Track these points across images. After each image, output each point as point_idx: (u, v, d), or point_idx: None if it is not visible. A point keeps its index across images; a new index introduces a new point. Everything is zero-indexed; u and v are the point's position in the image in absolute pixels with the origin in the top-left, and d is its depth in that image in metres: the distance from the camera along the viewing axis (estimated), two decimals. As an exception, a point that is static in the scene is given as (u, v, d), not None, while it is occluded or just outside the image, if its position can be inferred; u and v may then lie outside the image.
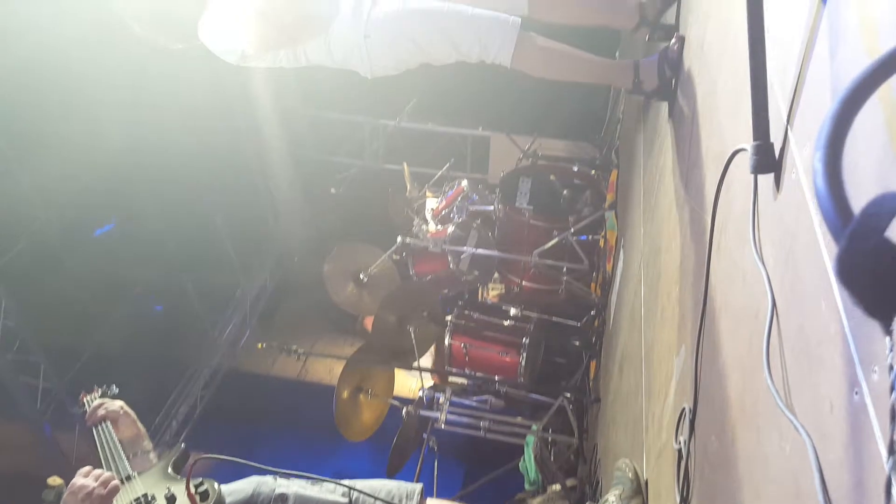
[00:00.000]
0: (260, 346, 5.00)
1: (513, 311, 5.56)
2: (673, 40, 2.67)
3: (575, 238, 5.31)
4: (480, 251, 5.42)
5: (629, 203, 4.27)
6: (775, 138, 1.38)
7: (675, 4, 2.88)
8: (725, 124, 1.87)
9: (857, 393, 0.88)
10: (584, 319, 5.55)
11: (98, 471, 2.01)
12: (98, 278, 5.96)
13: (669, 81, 2.68)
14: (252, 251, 8.14)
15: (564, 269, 5.48)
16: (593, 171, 6.14)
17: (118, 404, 2.38)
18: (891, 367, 0.62)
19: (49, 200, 5.30)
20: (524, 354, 5.26)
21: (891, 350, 0.63)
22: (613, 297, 4.58)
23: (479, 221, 5.64)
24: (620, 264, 4.35)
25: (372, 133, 8.17)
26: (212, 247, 7.33)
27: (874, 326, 0.86)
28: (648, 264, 3.09)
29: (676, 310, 2.26)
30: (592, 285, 5.63)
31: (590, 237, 5.41)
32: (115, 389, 2.53)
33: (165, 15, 2.63)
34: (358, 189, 8.09)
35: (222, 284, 7.77)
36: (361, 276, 5.67)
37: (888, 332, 0.59)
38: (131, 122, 5.77)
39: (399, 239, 5.36)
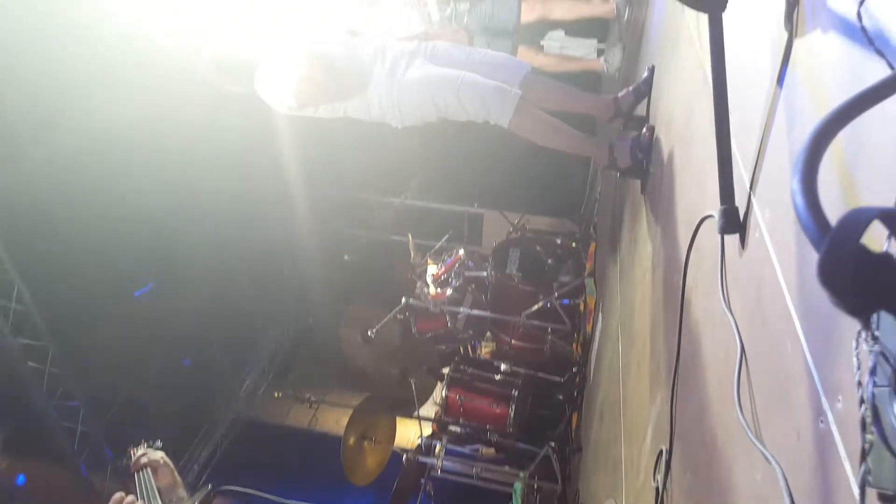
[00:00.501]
0: (277, 394, 4.93)
1: (503, 367, 5.52)
2: (644, 129, 2.73)
3: (558, 301, 5.29)
4: (475, 312, 5.41)
5: (607, 271, 4.27)
6: (739, 203, 1.39)
7: (646, 99, 2.96)
8: (693, 194, 1.88)
9: (822, 422, 0.86)
10: (567, 375, 5.49)
11: (130, 497, 1.97)
12: (134, 333, 5.90)
13: (641, 162, 2.71)
14: (273, 310, 8.09)
15: (549, 330, 5.45)
16: (574, 244, 6.18)
17: (160, 454, 2.37)
18: (859, 384, 0.60)
19: (95, 262, 5.28)
20: (513, 406, 5.18)
21: (858, 369, 0.61)
22: (593, 355, 4.53)
23: (473, 286, 5.64)
24: (599, 325, 4.33)
25: (380, 208, 8.27)
26: (237, 305, 7.29)
27: (836, 360, 0.84)
28: (625, 323, 3.07)
29: (652, 362, 2.23)
30: (574, 345, 5.59)
31: (571, 301, 5.40)
32: (159, 444, 2.51)
33: (229, 61, 2.79)
34: (367, 257, 8.11)
35: (244, 340, 7.69)
36: (370, 333, 5.63)
37: (867, 328, 0.57)
38: (171, 192, 5.80)
39: (403, 300, 5.35)
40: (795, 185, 0.51)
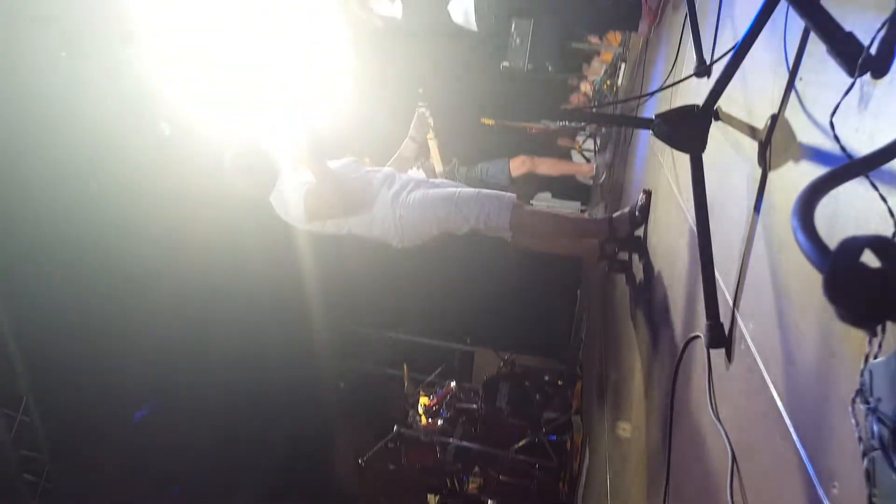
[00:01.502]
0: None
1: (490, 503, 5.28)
2: (641, 195, 2.74)
3: (546, 437, 5.16)
4: (464, 443, 5.24)
5: (593, 408, 4.20)
6: (724, 319, 1.41)
7: (631, 250, 2.96)
8: (679, 316, 1.90)
9: (819, 510, 0.84)
10: (554, 514, 5.24)
11: None
12: (128, 455, 5.67)
13: (639, 224, 2.73)
14: (267, 436, 7.81)
15: (536, 466, 5.26)
16: (560, 381, 6.11)
17: None
18: (860, 439, 0.60)
19: (103, 383, 5.16)
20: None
21: (857, 426, 0.62)
22: (580, 491, 4.35)
23: (464, 418, 5.51)
24: (587, 461, 4.19)
25: (378, 341, 8.23)
26: (234, 427, 7.04)
27: (828, 447, 0.84)
28: (613, 456, 2.98)
29: (643, 484, 2.15)
30: (561, 483, 5.38)
31: (559, 437, 5.27)
32: None
33: (249, 167, 2.82)
34: (362, 386, 7.97)
35: (239, 461, 7.35)
36: (360, 462, 5.43)
37: (873, 335, 0.58)
38: (172, 315, 5.77)
39: (395, 428, 5.21)
40: (795, 223, 0.54)
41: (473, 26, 3.58)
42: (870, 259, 0.51)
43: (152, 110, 4.88)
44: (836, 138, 0.88)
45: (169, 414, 6.18)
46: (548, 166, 4.77)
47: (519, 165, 4.54)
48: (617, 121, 3.34)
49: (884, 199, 0.79)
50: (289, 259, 5.74)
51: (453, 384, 5.80)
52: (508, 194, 2.78)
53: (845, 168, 0.65)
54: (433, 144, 4.39)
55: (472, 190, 2.81)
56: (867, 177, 0.81)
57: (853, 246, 0.46)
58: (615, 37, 6.61)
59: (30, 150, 4.24)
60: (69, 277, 4.63)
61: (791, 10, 1.31)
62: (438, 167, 4.39)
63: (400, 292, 7.39)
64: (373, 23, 3.70)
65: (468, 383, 7.42)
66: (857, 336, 0.84)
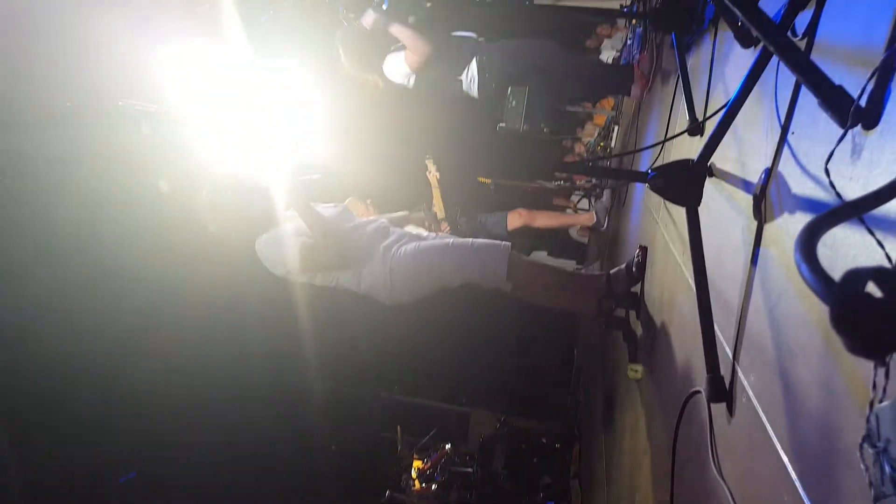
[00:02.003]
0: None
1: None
2: (637, 251, 2.74)
3: (544, 502, 5.02)
4: (459, 509, 5.10)
5: (593, 471, 4.11)
6: (724, 372, 1.40)
7: (629, 307, 2.96)
8: (679, 371, 1.89)
9: (829, 566, 0.81)
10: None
11: None
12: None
13: (637, 281, 2.71)
14: (257, 499, 7.57)
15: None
16: (557, 445, 5.99)
17: None
18: (870, 484, 0.59)
19: (88, 444, 5.03)
20: None
21: (867, 471, 0.60)
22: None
23: (459, 482, 5.37)
24: (585, 526, 4.07)
25: (371, 403, 8.08)
26: (223, 489, 6.83)
27: (835, 498, 0.82)
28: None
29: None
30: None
31: (557, 503, 5.12)
32: None
33: (236, 217, 2.73)
34: (354, 449, 7.79)
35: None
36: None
37: (882, 366, 0.57)
38: (164, 374, 5.68)
39: (388, 493, 5.07)
40: (798, 257, 0.55)
41: (475, 93, 3.68)
42: (872, 291, 0.51)
43: (151, 167, 4.94)
44: (832, 185, 0.90)
45: (156, 477, 6.01)
46: (545, 218, 4.81)
47: (517, 218, 4.58)
48: (613, 174, 3.38)
49: (881, 245, 0.80)
50: (281, 318, 5.69)
51: (448, 447, 5.68)
52: (504, 243, 2.72)
53: (848, 206, 0.66)
54: (436, 192, 4.45)
55: (466, 240, 2.76)
56: (863, 220, 0.81)
57: (857, 276, 0.46)
58: (608, 101, 6.79)
59: (27, 202, 4.26)
60: (56, 332, 4.58)
61: (781, 67, 1.35)
62: (440, 214, 4.42)
63: (393, 352, 7.31)
64: (377, 85, 3.79)
65: (463, 446, 7.27)
66: (861, 384, 0.84)
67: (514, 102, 5.63)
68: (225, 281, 5.18)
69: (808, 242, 0.55)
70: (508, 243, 2.73)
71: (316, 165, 3.16)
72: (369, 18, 3.44)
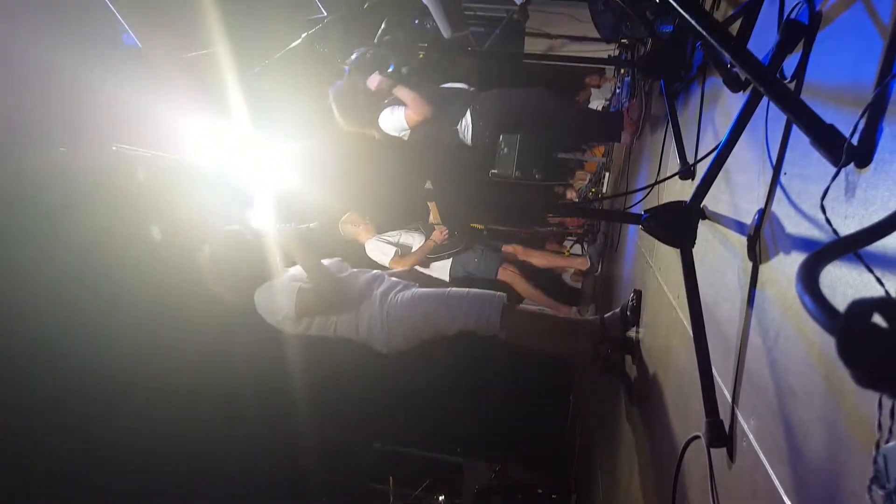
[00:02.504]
0: None
1: None
2: (631, 295, 2.74)
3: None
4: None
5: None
6: (724, 416, 1.37)
7: (624, 352, 2.95)
8: (677, 417, 1.86)
9: None
10: None
11: None
12: None
13: (632, 325, 2.70)
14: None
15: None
16: (554, 496, 5.86)
17: None
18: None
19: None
20: None
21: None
22: None
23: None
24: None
25: (362, 453, 7.94)
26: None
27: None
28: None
29: None
30: None
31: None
32: None
33: (232, 274, 2.73)
34: (345, 501, 7.61)
35: None
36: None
37: (893, 398, 0.55)
38: (151, 426, 5.57)
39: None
40: (799, 288, 0.53)
41: (469, 141, 3.74)
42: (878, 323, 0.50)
43: (143, 214, 4.93)
44: (828, 221, 0.89)
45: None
46: (540, 258, 4.81)
47: (511, 252, 4.59)
48: (606, 216, 3.41)
49: (880, 282, 0.79)
50: (273, 367, 5.63)
51: (441, 498, 5.55)
52: (499, 293, 2.78)
53: (850, 237, 0.65)
54: (433, 206, 4.47)
55: (462, 289, 2.80)
56: (861, 258, 0.81)
57: (863, 306, 0.45)
58: (599, 148, 6.88)
59: (20, 246, 4.24)
60: (43, 378, 4.50)
61: (770, 109, 1.37)
62: (437, 227, 4.43)
63: (385, 401, 7.22)
64: (373, 137, 3.84)
65: (458, 497, 7.11)
66: (865, 424, 0.82)
67: (505, 149, 5.70)
68: (216, 330, 5.14)
69: (809, 274, 0.54)
70: (504, 294, 2.78)
71: (314, 213, 3.19)
72: (375, 81, 3.53)
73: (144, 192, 4.53)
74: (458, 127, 3.73)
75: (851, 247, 0.66)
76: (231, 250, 2.74)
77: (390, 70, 3.55)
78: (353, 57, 3.61)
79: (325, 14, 3.20)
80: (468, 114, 3.66)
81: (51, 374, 4.54)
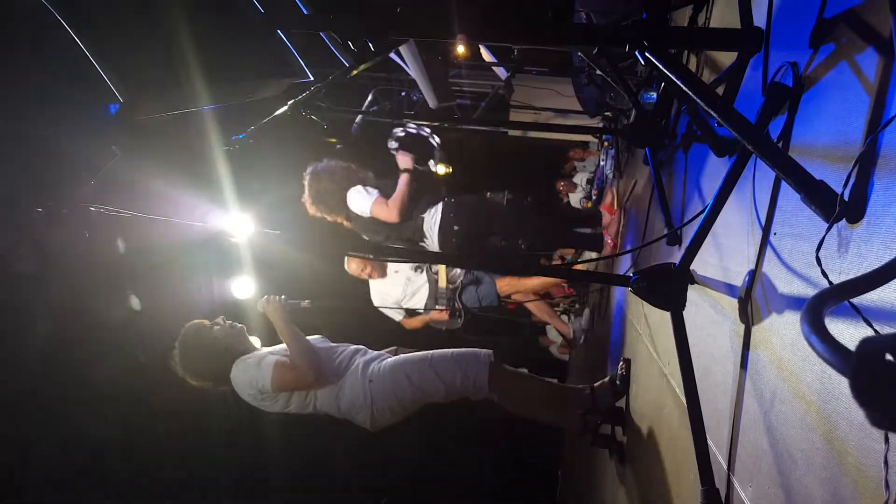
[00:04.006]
0: None
1: None
2: (620, 364, 2.69)
3: None
4: None
5: None
6: (720, 484, 1.33)
7: (614, 422, 2.89)
8: (672, 485, 1.80)
9: None
10: None
11: None
12: None
13: (622, 395, 2.64)
14: None
15: None
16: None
17: None
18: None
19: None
20: None
21: None
22: None
23: None
24: None
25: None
26: None
27: None
28: None
29: None
30: None
31: None
32: None
33: (203, 368, 2.67)
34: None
35: None
36: None
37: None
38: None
39: None
40: (805, 329, 0.52)
41: (434, 240, 3.64)
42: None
43: (122, 283, 4.86)
44: (824, 273, 0.89)
45: None
46: (534, 285, 4.71)
47: (506, 284, 4.52)
48: (594, 278, 3.39)
49: (872, 328, 0.78)
50: (250, 445, 5.49)
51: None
52: (485, 350, 2.72)
53: (857, 280, 0.64)
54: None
55: (446, 351, 2.75)
56: (859, 310, 0.80)
57: (876, 344, 0.44)
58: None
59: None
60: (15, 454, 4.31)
61: (757, 171, 1.39)
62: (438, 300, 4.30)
63: (368, 477, 6.99)
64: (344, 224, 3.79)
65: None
66: (871, 485, 0.79)
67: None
68: (192, 407, 5.00)
69: (815, 315, 0.53)
70: (490, 351, 2.72)
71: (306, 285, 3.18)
72: (406, 160, 3.48)
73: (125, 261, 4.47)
74: (425, 218, 3.63)
75: (859, 289, 0.65)
76: (199, 346, 2.68)
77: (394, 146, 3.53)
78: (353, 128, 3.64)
79: (312, 78, 3.24)
80: (440, 206, 3.59)
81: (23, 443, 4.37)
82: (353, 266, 3.87)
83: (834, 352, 0.47)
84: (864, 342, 0.45)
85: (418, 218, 3.62)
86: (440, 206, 3.58)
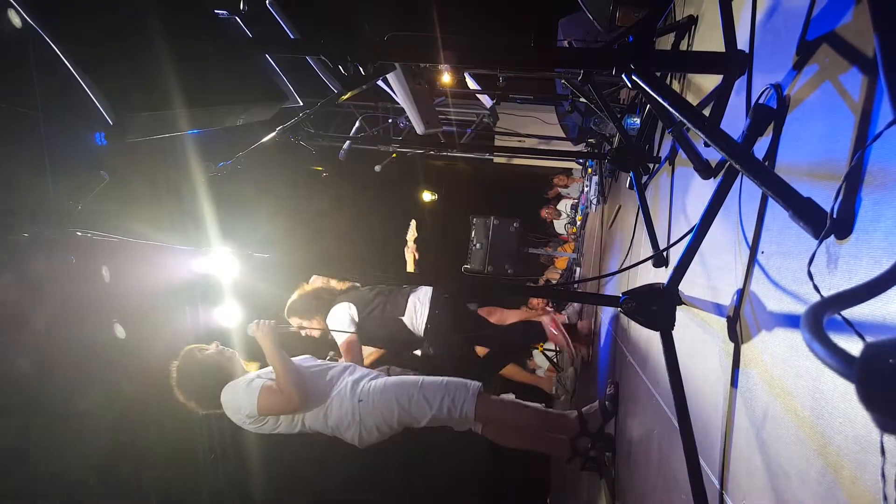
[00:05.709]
0: None
1: None
2: (609, 386, 2.69)
3: None
4: None
5: None
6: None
7: (604, 446, 2.89)
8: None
9: None
10: None
11: None
12: None
13: (611, 417, 2.64)
14: None
15: None
16: None
17: None
18: None
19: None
20: None
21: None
22: None
23: None
24: None
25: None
26: None
27: None
28: None
29: None
30: None
31: None
32: None
33: (200, 391, 2.71)
34: None
35: None
36: None
37: None
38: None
39: None
40: (806, 335, 0.51)
41: (419, 326, 3.66)
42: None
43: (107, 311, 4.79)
44: (816, 288, 0.89)
45: None
46: (516, 316, 4.71)
47: (487, 313, 4.51)
48: (583, 298, 3.40)
49: (864, 340, 0.78)
50: (241, 470, 5.41)
51: None
52: (475, 382, 2.73)
53: (859, 288, 0.64)
54: (409, 253, 4.40)
55: (437, 377, 2.75)
56: (852, 325, 0.80)
57: (882, 348, 0.43)
58: (570, 244, 7.00)
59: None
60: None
61: (744, 191, 1.40)
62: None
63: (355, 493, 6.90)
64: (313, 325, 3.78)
65: None
66: (868, 497, 0.78)
67: (478, 245, 5.76)
68: (177, 432, 4.94)
69: (815, 321, 0.53)
70: (479, 383, 2.73)
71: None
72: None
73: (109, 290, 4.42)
74: (409, 307, 3.64)
75: (861, 298, 0.65)
76: (192, 369, 2.75)
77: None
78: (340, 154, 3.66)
79: (301, 103, 3.26)
80: (429, 294, 3.61)
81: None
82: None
83: (838, 357, 0.47)
84: (869, 346, 0.44)
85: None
86: (429, 295, 3.62)
